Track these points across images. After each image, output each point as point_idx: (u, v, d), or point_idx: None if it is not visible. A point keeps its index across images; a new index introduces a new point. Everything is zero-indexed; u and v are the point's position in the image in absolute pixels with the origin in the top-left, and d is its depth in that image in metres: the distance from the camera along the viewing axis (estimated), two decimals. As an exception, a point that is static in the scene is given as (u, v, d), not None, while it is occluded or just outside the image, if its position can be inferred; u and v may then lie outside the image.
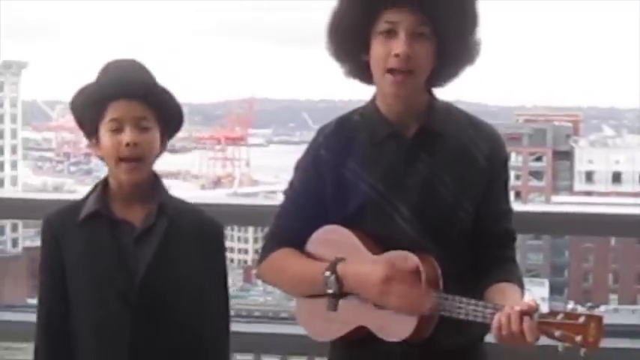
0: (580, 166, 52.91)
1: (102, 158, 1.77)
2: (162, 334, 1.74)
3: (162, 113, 1.76)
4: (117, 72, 1.76)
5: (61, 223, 1.83)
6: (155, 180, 1.80)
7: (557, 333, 1.39)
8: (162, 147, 1.80)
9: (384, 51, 1.58)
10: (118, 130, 1.71)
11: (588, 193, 47.45)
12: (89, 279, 1.76)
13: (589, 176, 52.54)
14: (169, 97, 1.79)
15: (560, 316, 1.41)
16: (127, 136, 1.69)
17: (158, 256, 1.73)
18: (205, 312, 1.80)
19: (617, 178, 52.68)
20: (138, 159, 1.70)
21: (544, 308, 1.46)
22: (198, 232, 1.80)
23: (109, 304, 1.74)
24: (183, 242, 1.77)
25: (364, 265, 1.60)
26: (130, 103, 1.71)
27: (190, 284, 1.77)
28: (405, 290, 1.54)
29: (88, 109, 1.75)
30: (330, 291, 1.60)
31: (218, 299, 1.83)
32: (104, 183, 1.80)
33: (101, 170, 1.86)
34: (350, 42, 1.66)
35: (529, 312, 1.40)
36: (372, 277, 1.56)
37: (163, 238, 1.74)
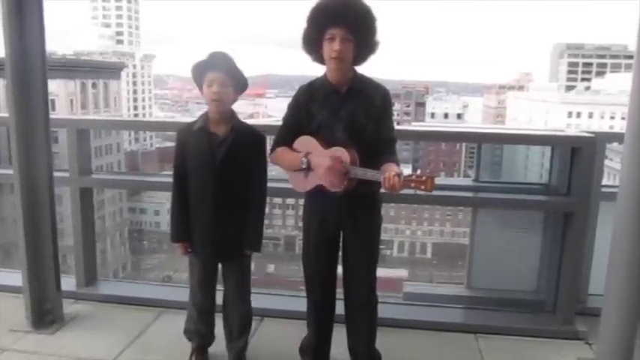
0: (428, 109, 68.06)
1: (205, 101, 2.27)
2: (230, 187, 2.29)
3: (235, 80, 2.27)
4: (212, 56, 2.29)
5: (185, 132, 2.36)
6: (232, 113, 2.34)
7: (412, 184, 1.90)
8: (235, 97, 2.31)
9: (329, 49, 2.16)
10: (211, 86, 2.25)
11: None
12: (195, 160, 2.32)
13: (432, 115, 67.11)
14: (240, 72, 2.28)
15: (414, 177, 1.90)
16: (214, 89, 2.23)
17: (228, 151, 2.29)
18: (253, 176, 2.35)
19: (446, 115, 67.55)
20: (219, 100, 2.25)
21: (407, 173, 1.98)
22: (250, 138, 2.34)
23: (203, 172, 2.30)
24: (242, 143, 2.29)
25: (320, 157, 2.15)
26: (218, 73, 2.24)
27: (246, 163, 2.31)
28: (337, 171, 2.09)
29: (198, 75, 2.28)
30: (303, 166, 2.20)
31: (260, 170, 2.40)
32: (206, 113, 2.33)
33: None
34: (312, 45, 2.22)
35: (398, 174, 1.94)
36: (323, 164, 2.13)
37: (231, 142, 2.28)
